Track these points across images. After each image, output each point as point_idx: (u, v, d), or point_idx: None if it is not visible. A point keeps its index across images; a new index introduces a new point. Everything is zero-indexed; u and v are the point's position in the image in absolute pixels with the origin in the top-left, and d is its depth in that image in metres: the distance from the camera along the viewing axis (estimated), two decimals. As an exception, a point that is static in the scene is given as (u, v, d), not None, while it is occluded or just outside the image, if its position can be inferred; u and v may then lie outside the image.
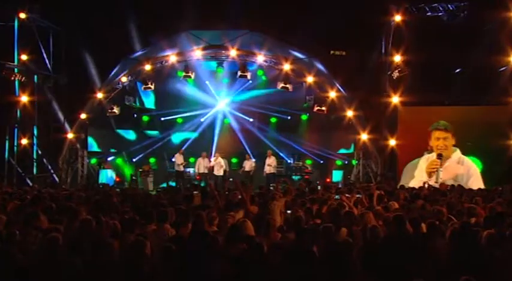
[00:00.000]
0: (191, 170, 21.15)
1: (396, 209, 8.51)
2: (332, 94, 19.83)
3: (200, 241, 6.07)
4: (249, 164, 20.47)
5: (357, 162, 20.13)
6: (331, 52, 20.93)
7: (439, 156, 17.75)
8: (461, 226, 6.57)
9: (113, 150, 22.21)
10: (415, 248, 6.08)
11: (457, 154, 18.24)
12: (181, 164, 20.45)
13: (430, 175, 17.81)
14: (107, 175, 20.83)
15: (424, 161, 18.36)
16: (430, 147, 18.41)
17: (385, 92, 19.05)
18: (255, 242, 5.90)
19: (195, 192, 11.68)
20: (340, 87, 19.96)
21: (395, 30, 18.45)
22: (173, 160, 21.33)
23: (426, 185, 13.29)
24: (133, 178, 20.78)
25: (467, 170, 18.10)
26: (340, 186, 16.74)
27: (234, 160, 22.39)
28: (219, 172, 20.09)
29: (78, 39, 19.28)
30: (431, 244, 6.22)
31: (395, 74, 18.28)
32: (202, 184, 19.41)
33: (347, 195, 9.97)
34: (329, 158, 22.09)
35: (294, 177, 20.29)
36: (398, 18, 18.28)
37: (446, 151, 18.12)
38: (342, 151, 21.58)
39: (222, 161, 20.21)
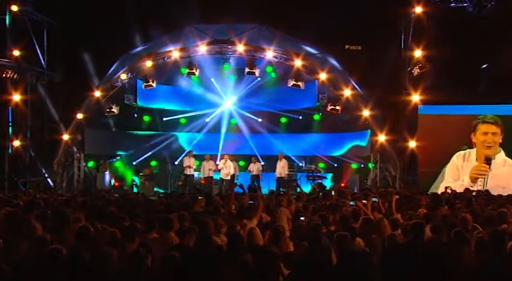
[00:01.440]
0: (195, 173, 21.19)
1: (417, 216, 8.47)
2: (347, 92, 19.78)
3: (205, 250, 6.07)
4: (256, 168, 20.46)
5: (373, 165, 20.05)
6: (346, 47, 20.88)
7: (488, 160, 17.31)
8: (492, 234, 6.51)
9: (111, 152, 22.29)
10: (438, 258, 6.03)
11: (501, 155, 17.75)
12: (191, 167, 20.46)
13: (474, 180, 17.39)
14: (105, 179, 20.91)
15: (460, 159, 17.88)
16: (473, 143, 17.95)
17: (404, 90, 18.97)
18: (263, 251, 5.88)
19: (199, 197, 11.68)
20: (355, 85, 19.90)
21: (415, 23, 18.35)
22: (176, 163, 21.38)
23: (449, 190, 13.21)
24: (134, 183, 20.81)
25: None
26: (355, 191, 16.71)
27: (241, 163, 22.41)
28: (226, 175, 20.10)
29: (74, 33, 19.30)
30: (456, 254, 6.17)
31: (416, 71, 18.20)
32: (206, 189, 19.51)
33: (363, 201, 9.93)
34: (343, 161, 22.05)
35: (308, 181, 20.29)
36: (419, 9, 18.18)
37: (494, 148, 17.62)
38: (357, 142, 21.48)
39: (231, 164, 20.20)
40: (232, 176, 20.06)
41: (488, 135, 17.83)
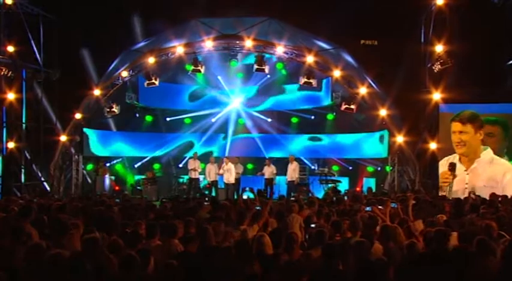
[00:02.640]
0: (201, 177, 21.21)
1: (438, 223, 8.43)
2: (362, 90, 19.74)
3: (209, 257, 6.08)
4: (269, 171, 20.45)
5: (391, 168, 20.00)
6: (362, 42, 20.82)
7: (451, 167, 17.67)
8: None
9: (111, 154, 22.37)
10: (462, 268, 6.00)
11: (488, 153, 17.87)
12: (197, 170, 20.49)
13: (441, 188, 17.75)
14: (105, 183, 20.98)
15: (444, 164, 18.17)
16: None
17: (424, 88, 18.90)
18: (272, 260, 5.88)
19: (205, 203, 11.70)
20: (371, 82, 19.86)
21: (436, 15, 18.26)
22: (180, 165, 21.41)
23: (473, 195, 13.12)
24: (137, 187, 20.86)
25: (503, 171, 17.62)
26: (371, 196, 16.65)
27: (249, 166, 22.43)
28: (229, 179, 20.12)
29: (73, 28, 19.35)
30: (481, 263, 6.13)
31: (437, 67, 18.09)
32: (212, 193, 19.53)
33: (380, 207, 9.89)
34: (359, 164, 22.01)
35: (321, 185, 20.27)
36: (440, 1, 18.09)
37: (464, 148, 17.87)
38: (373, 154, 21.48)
39: (232, 167, 20.24)
40: (238, 179, 20.15)
41: (455, 135, 18.06)
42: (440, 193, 16.94)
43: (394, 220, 8.97)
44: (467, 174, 17.26)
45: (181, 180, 21.41)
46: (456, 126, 18.10)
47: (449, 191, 17.18)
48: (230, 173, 20.06)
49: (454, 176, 17.64)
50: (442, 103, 18.57)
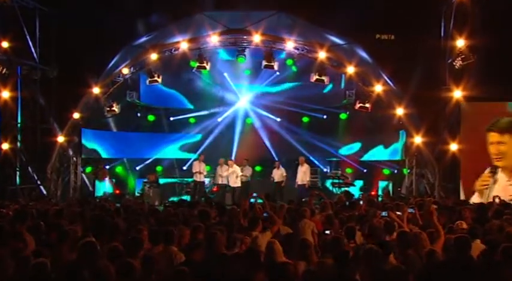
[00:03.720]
0: (206, 180, 21.24)
1: (462, 230, 8.39)
2: (378, 88, 19.67)
3: (216, 265, 6.08)
4: (279, 174, 20.45)
5: (408, 171, 19.93)
6: (377, 36, 20.78)
7: (493, 170, 17.49)
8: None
9: (112, 156, 22.43)
10: (486, 278, 5.98)
11: None
12: (202, 173, 20.53)
13: (480, 193, 17.56)
14: (105, 187, 21.05)
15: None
16: None
17: (444, 85, 18.84)
18: (283, 269, 5.87)
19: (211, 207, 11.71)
20: (387, 80, 19.81)
21: (457, 8, 18.19)
22: (184, 168, 21.42)
23: (497, 200, 13.06)
24: (140, 192, 20.90)
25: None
26: (387, 200, 16.61)
27: (257, 168, 22.44)
28: (235, 183, 20.11)
29: (71, 22, 19.41)
30: (507, 273, 6.10)
31: (458, 63, 18.03)
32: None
33: (397, 212, 9.87)
34: (374, 166, 21.96)
35: (333, 189, 20.25)
36: (462, -8, 18.07)
37: (504, 160, 17.64)
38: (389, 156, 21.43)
39: (237, 169, 20.24)
40: (247, 182, 20.15)
41: (493, 146, 17.82)
42: (477, 199, 16.63)
43: (411, 226, 8.97)
44: (494, 188, 17.07)
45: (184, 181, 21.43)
46: (493, 136, 17.80)
47: (487, 196, 16.79)
48: (235, 176, 20.07)
49: (495, 181, 17.40)
50: (463, 101, 18.50)
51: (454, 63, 18.24)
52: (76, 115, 20.33)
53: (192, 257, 6.87)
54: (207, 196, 20.20)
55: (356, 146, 22.54)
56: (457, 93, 18.44)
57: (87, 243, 6.62)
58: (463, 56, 17.81)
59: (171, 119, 23.38)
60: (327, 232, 9.12)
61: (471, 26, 17.77)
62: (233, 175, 20.24)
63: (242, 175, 20.42)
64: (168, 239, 7.40)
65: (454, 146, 18.73)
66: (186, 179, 21.54)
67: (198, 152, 22.15)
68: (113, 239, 7.43)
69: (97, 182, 20.71)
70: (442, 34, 18.96)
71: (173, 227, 7.91)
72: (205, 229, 8.08)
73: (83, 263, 6.12)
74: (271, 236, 8.29)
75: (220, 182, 20.60)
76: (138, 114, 23.01)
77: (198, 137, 23.43)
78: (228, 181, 20.47)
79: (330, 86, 21.58)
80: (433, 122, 19.30)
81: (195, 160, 21.33)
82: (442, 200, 15.50)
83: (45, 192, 19.75)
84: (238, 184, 20.20)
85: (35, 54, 19.76)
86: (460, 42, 18.07)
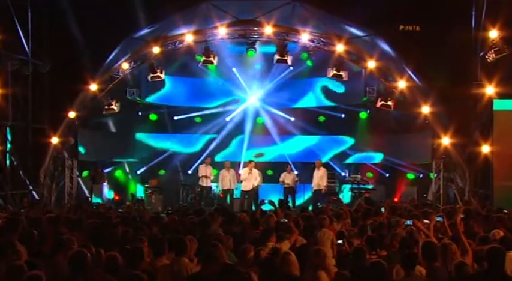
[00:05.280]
0: (213, 185, 21.27)
1: (494, 240, 8.36)
2: (401, 84, 19.65)
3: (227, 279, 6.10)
4: (290, 178, 20.46)
5: (435, 175, 19.89)
6: (401, 27, 20.71)
7: None
8: None
9: (110, 159, 22.51)
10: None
11: None
12: (209, 177, 20.57)
13: None
14: (103, 192, 21.12)
15: None
16: None
17: (475, 81, 18.77)
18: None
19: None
20: (412, 75, 19.75)
21: (490, -4, 18.18)
22: (190, 172, 21.46)
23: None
24: (140, 198, 20.95)
25: None
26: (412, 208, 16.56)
27: (269, 172, 22.45)
28: (251, 187, 20.15)
29: (65, 13, 19.48)
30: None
31: (491, 56, 17.94)
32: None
33: (425, 221, 9.85)
34: (397, 170, 21.93)
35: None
36: (494, -21, 18.02)
37: None
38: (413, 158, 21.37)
39: (256, 172, 20.25)
40: (256, 189, 20.14)
41: None
42: None
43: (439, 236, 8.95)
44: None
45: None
46: None
47: None
48: (254, 180, 20.03)
49: None
50: (496, 98, 18.40)
51: (487, 57, 18.15)
52: (71, 114, 20.41)
53: (202, 270, 6.87)
54: (215, 201, 20.28)
55: (378, 148, 22.47)
56: (490, 90, 18.34)
57: (78, 253, 6.65)
58: (496, 49, 17.71)
59: (175, 118, 23.44)
60: (340, 241, 9.14)
61: (505, 15, 17.68)
62: (251, 179, 20.16)
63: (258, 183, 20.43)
64: (179, 249, 7.40)
65: (486, 148, 18.63)
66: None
67: (205, 155, 22.17)
68: (112, 249, 7.45)
69: (94, 187, 20.71)
70: (473, 24, 18.88)
71: (182, 237, 7.92)
72: (210, 239, 8.11)
73: (79, 276, 6.14)
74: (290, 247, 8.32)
75: (226, 187, 20.59)
76: (139, 114, 23.09)
77: (205, 138, 23.47)
78: (230, 184, 20.49)
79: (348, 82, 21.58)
80: (463, 122, 19.21)
81: (201, 163, 21.37)
82: (474, 207, 15.41)
83: (38, 198, 19.81)
84: (250, 187, 20.15)
85: (26, 48, 19.80)
86: (493, 34, 17.97)
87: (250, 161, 20.71)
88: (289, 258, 6.74)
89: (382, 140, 22.35)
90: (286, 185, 20.46)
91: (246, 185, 20.17)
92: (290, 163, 21.64)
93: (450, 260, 7.27)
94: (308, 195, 21.17)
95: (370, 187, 20.85)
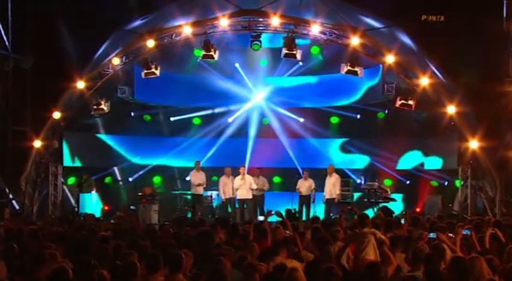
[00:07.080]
0: (214, 193, 21.24)
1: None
2: (424, 81, 19.59)
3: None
4: (306, 186, 20.46)
5: (462, 183, 19.83)
6: (423, 18, 20.72)
7: None
8: None
9: (99, 165, 22.52)
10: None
11: None
12: (200, 185, 20.54)
13: None
14: (91, 201, 21.11)
15: None
16: None
17: (507, 77, 18.75)
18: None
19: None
20: (436, 71, 19.73)
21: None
22: (187, 178, 21.46)
23: None
24: (131, 207, 20.93)
25: None
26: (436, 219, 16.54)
27: (276, 179, 22.43)
28: (244, 195, 20.14)
29: (50, 3, 19.52)
30: None
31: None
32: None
33: (449, 234, 9.83)
34: (419, 176, 21.88)
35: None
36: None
37: None
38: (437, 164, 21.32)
39: (250, 179, 20.23)
40: (261, 196, 20.13)
41: None
42: None
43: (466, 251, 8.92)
44: None
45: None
46: None
47: None
48: (247, 188, 20.04)
49: None
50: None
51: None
52: (56, 115, 20.40)
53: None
54: (215, 212, 20.27)
55: (397, 152, 22.42)
56: (523, 87, 18.38)
57: (58, 269, 6.62)
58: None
59: (171, 119, 23.47)
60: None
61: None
62: (245, 186, 20.15)
63: (258, 189, 20.39)
64: (174, 265, 7.37)
65: (518, 153, 18.67)
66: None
67: (203, 160, 22.11)
68: (101, 266, 7.43)
69: (81, 196, 20.68)
70: (505, 14, 18.84)
71: (177, 251, 7.90)
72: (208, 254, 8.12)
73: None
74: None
75: (229, 196, 20.56)
76: (132, 114, 23.11)
77: (204, 141, 23.46)
78: (232, 193, 20.49)
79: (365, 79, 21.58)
80: (493, 123, 19.18)
81: (192, 169, 21.20)
82: (505, 219, 15.36)
83: (18, 208, 19.83)
84: (250, 197, 20.14)
85: (6, 42, 19.85)
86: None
87: (241, 166, 20.74)
88: (296, 275, 6.71)
89: (401, 144, 22.29)
90: (300, 194, 20.46)
91: (241, 193, 20.18)
92: (299, 169, 21.61)
93: (479, 277, 7.24)
94: (319, 205, 21.06)
95: (389, 196, 20.68)
